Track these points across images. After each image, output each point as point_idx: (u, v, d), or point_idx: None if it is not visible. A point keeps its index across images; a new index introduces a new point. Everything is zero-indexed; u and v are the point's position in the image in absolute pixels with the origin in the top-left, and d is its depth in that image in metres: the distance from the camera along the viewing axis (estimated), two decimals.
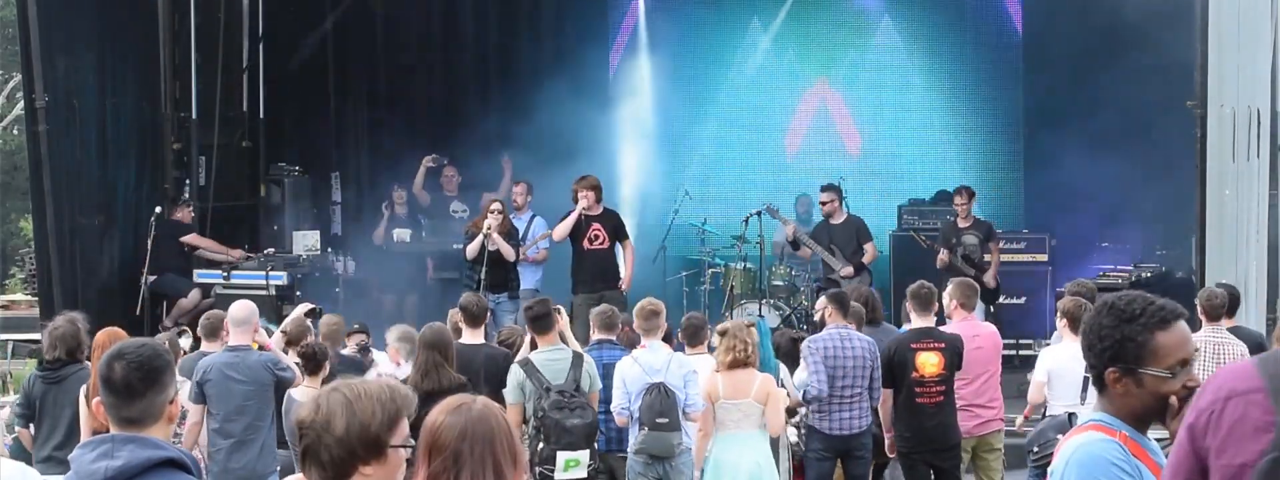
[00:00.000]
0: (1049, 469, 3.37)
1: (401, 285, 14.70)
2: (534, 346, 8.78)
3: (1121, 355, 3.24)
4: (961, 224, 13.70)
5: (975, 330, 9.53)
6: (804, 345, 9.12)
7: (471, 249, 12.78)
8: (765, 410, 8.39)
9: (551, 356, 8.45)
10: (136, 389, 3.48)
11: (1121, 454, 3.21)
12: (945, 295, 9.59)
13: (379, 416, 3.17)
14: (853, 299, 9.64)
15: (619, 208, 14.29)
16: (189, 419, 8.44)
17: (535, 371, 8.32)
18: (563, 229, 12.80)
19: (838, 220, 13.80)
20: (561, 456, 8.11)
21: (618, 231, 12.91)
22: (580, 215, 12.66)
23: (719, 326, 8.72)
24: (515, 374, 8.40)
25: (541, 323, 8.63)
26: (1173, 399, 3.22)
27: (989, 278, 13.45)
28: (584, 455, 8.17)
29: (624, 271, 12.92)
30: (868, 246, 13.71)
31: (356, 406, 3.16)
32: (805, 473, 9.17)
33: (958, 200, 13.78)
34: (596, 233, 12.76)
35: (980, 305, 13.15)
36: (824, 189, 13.95)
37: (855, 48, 17.09)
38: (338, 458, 3.15)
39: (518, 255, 12.99)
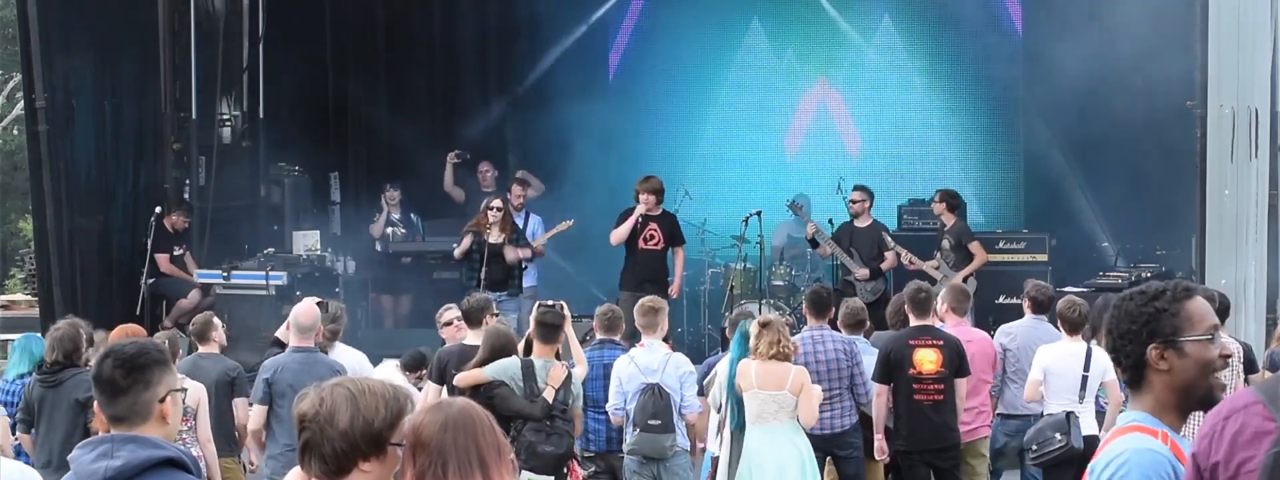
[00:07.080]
0: (1090, 465, 3.30)
1: (402, 285, 14.70)
2: (528, 348, 8.47)
3: (1159, 329, 3.26)
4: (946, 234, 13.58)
5: (968, 336, 9.46)
6: None
7: (459, 251, 12.84)
8: (799, 402, 8.29)
9: (543, 369, 8.23)
10: (120, 386, 3.49)
11: (1170, 471, 3.20)
12: (938, 299, 9.54)
13: (382, 413, 3.20)
14: (843, 311, 9.67)
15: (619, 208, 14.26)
16: (252, 421, 8.42)
17: (532, 377, 8.12)
18: (620, 233, 12.86)
19: (863, 223, 13.73)
20: (525, 475, 7.97)
21: (672, 234, 12.98)
22: (639, 216, 12.72)
23: (760, 318, 8.54)
24: (513, 365, 8.19)
25: (548, 332, 8.32)
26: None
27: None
28: None
29: (675, 277, 12.99)
30: (888, 253, 13.65)
31: (361, 402, 3.19)
32: None
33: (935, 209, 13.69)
34: (652, 233, 12.87)
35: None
36: (856, 188, 13.82)
37: (855, 48, 17.08)
38: (340, 452, 3.18)
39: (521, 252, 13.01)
